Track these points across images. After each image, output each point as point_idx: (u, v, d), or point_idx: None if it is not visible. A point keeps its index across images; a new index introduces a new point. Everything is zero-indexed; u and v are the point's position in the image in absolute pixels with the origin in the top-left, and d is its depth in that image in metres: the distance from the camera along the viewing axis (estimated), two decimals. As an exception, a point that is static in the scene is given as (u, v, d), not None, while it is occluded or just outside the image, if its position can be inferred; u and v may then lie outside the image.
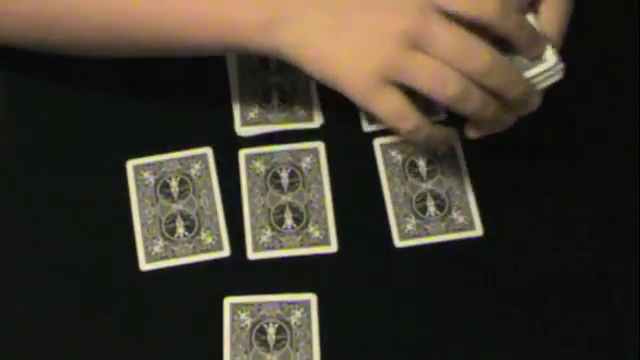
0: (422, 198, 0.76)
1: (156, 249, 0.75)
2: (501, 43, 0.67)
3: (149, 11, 0.68)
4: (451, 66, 0.64)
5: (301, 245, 0.75)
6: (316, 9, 0.66)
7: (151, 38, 0.70)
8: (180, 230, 0.75)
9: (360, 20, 0.65)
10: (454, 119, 0.78)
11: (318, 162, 0.77)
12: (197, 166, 0.77)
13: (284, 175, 0.77)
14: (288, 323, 0.72)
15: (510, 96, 0.66)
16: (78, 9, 0.68)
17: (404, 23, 0.64)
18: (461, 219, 0.76)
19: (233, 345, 0.72)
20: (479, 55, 0.64)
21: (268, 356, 0.71)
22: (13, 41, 0.72)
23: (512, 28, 0.66)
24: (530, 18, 0.68)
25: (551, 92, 0.70)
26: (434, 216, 0.75)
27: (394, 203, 0.76)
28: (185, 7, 0.68)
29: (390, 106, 0.65)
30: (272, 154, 0.77)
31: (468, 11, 0.64)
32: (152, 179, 0.77)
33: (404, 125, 0.66)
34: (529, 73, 0.67)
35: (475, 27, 0.65)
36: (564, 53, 0.69)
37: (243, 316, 0.72)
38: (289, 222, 0.75)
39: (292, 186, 0.77)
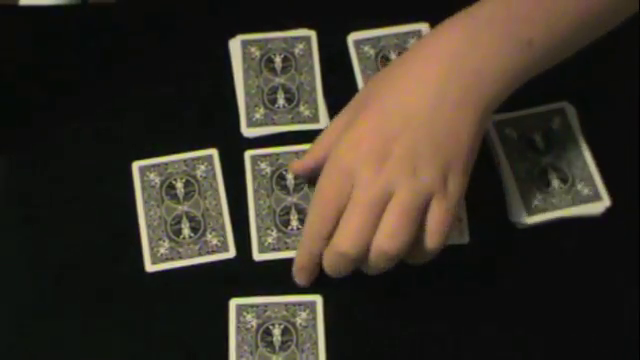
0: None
1: (162, 250, 0.75)
2: None
3: None
4: None
5: (307, 246, 0.75)
6: None
7: None
8: (186, 231, 0.75)
9: None
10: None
11: (323, 163, 0.77)
12: (203, 167, 0.77)
13: (290, 176, 0.77)
14: (294, 324, 0.72)
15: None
16: None
17: None
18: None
19: (239, 346, 0.72)
20: None
21: (274, 357, 0.71)
22: None
23: None
24: None
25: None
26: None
27: None
28: None
29: None
30: (278, 155, 0.78)
31: None
32: (158, 180, 0.77)
33: None
34: None
35: None
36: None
37: (249, 317, 0.72)
38: (295, 223, 0.76)
39: (298, 187, 0.77)
